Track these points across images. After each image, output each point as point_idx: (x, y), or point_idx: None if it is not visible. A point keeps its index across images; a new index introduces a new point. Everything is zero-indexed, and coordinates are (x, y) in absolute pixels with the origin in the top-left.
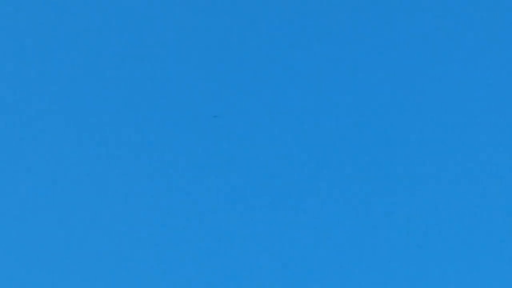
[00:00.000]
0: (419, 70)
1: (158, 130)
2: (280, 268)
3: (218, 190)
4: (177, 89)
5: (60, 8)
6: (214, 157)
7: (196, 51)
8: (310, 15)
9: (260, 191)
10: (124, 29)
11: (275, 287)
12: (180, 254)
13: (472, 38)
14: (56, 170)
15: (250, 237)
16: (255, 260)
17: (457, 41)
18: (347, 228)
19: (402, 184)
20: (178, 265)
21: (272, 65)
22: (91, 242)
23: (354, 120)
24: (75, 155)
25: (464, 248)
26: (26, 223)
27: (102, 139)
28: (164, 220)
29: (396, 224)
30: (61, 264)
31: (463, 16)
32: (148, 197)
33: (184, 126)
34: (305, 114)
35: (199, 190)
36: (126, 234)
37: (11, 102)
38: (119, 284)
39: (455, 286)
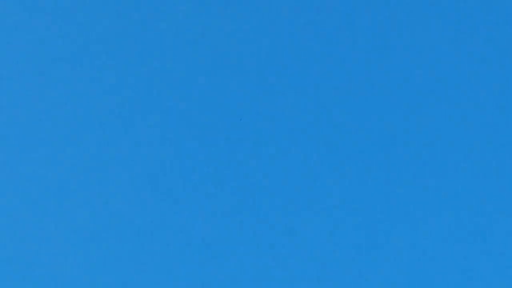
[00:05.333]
0: (419, 70)
1: (159, 133)
2: (280, 270)
3: (219, 193)
4: (179, 92)
5: (60, 8)
6: (216, 159)
7: (197, 52)
8: (311, 16)
9: (262, 193)
10: (128, 30)
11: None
12: (181, 256)
13: (472, 38)
14: (56, 170)
15: (251, 239)
16: (256, 262)
17: (457, 41)
18: (349, 230)
19: (402, 185)
20: (178, 267)
21: (274, 67)
22: (90, 242)
23: (355, 122)
24: (82, 155)
25: (464, 248)
26: (26, 223)
27: (104, 141)
28: (165, 222)
29: (396, 225)
30: (61, 264)
31: (463, 16)
32: (148, 200)
33: (185, 128)
34: (306, 116)
35: (200, 192)
36: (126, 236)
37: (11, 102)
38: (119, 284)
39: (455, 286)
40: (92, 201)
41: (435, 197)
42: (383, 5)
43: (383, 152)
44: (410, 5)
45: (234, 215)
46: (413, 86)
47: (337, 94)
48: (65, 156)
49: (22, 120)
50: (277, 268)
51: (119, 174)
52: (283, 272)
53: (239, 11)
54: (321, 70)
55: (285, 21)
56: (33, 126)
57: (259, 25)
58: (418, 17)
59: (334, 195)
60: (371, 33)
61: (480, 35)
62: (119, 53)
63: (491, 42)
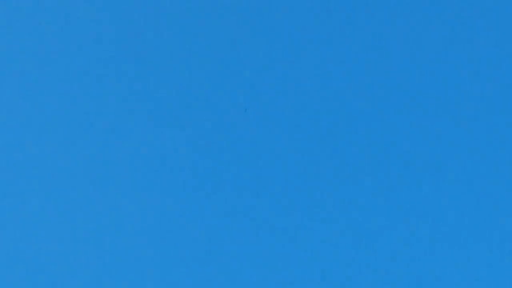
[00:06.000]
0: (419, 70)
1: (160, 134)
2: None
3: (219, 193)
4: (181, 91)
5: (61, 8)
6: (215, 160)
7: (199, 52)
8: (311, 16)
9: (262, 194)
10: (133, 30)
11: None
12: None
13: (472, 38)
14: (56, 170)
15: (251, 240)
16: (256, 262)
17: (457, 41)
18: (348, 231)
19: (402, 185)
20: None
21: (274, 68)
22: (90, 243)
23: (355, 122)
24: (85, 155)
25: (463, 248)
26: (26, 223)
27: (105, 141)
28: (164, 224)
29: (396, 226)
30: (61, 264)
31: (463, 16)
32: (149, 201)
33: (185, 129)
34: (306, 116)
35: (200, 193)
36: (125, 237)
37: (11, 102)
38: (119, 284)
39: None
40: (92, 201)
41: (435, 197)
42: (383, 5)
43: (382, 152)
44: (410, 5)
45: (234, 215)
46: (412, 86)
47: (336, 95)
48: (65, 156)
49: (22, 120)
50: (277, 268)
51: (118, 174)
52: (283, 272)
53: (239, 11)
54: (320, 70)
55: (284, 21)
56: (32, 126)
57: (258, 25)
58: (418, 17)
59: (334, 195)
60: (371, 33)
61: (480, 35)
62: (117, 53)
63: (491, 42)
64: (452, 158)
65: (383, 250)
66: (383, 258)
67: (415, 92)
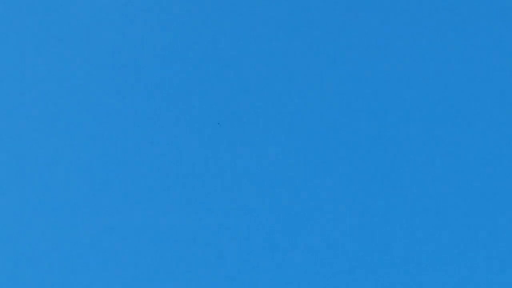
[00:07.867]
0: (419, 70)
1: (158, 133)
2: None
3: (219, 192)
4: (179, 93)
5: (61, 8)
6: (214, 160)
7: (197, 53)
8: (311, 16)
9: (261, 193)
10: (129, 32)
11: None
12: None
13: (472, 38)
14: (56, 170)
15: (249, 240)
16: (254, 262)
17: (458, 41)
18: (347, 229)
19: (401, 184)
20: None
21: (273, 68)
22: (90, 242)
23: (354, 123)
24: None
25: (464, 248)
26: (26, 223)
27: (102, 144)
28: (162, 224)
29: (395, 224)
30: (61, 264)
31: (463, 16)
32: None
33: (184, 129)
34: (306, 116)
35: (200, 193)
36: (124, 237)
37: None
38: (119, 284)
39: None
40: (92, 201)
41: (434, 197)
42: (382, 5)
43: (381, 152)
44: (409, 5)
45: (233, 215)
46: (411, 86)
47: (334, 95)
48: (66, 156)
49: (23, 120)
50: (276, 269)
51: (116, 175)
52: (281, 273)
53: (237, 12)
54: (318, 70)
55: (281, 22)
56: (31, 126)
57: (255, 26)
58: (416, 17)
59: (332, 195)
60: (369, 33)
61: (480, 35)
62: (113, 53)
63: (491, 43)
64: (452, 158)
65: (382, 250)
66: (383, 258)
67: (414, 92)
